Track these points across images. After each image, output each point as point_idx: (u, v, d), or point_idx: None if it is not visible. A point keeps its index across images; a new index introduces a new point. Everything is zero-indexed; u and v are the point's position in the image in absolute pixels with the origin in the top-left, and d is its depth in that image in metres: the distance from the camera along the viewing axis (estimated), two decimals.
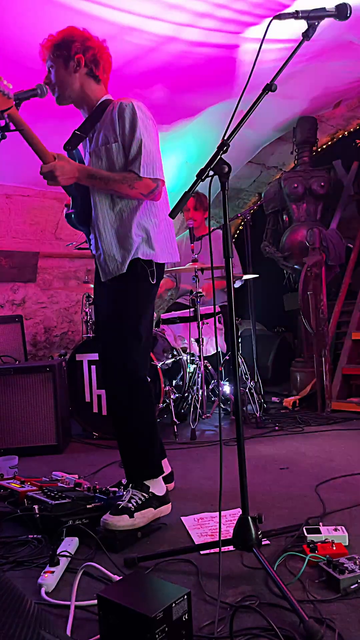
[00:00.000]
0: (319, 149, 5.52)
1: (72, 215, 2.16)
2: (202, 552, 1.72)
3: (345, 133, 5.50)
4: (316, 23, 1.62)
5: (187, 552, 1.71)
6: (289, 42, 3.27)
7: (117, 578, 1.55)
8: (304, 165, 5.11)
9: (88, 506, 1.98)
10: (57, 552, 1.68)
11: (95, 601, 1.29)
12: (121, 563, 1.68)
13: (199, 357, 3.60)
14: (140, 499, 1.96)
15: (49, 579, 1.57)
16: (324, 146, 5.62)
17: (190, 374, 3.82)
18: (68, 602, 1.43)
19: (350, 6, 1.61)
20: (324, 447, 3.00)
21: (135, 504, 1.93)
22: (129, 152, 2.00)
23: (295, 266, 5.02)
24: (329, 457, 2.80)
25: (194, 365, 3.76)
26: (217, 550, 1.59)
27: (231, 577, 1.57)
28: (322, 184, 4.92)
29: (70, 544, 1.78)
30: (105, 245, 2.06)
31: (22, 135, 1.88)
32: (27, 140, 1.89)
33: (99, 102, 2.11)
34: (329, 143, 5.61)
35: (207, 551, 1.71)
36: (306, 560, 1.58)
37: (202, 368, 3.58)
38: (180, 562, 1.69)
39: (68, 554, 1.71)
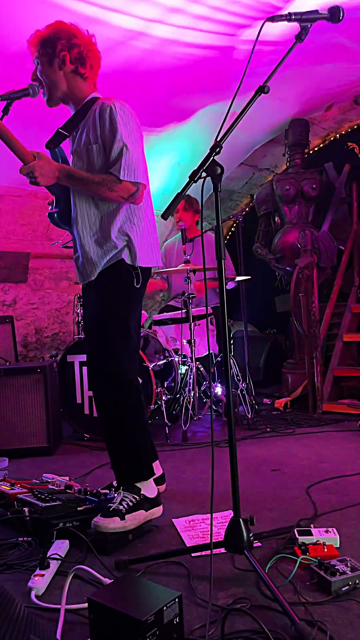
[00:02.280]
0: (311, 152, 5.54)
1: (55, 215, 2.14)
2: (193, 555, 1.71)
3: (337, 136, 5.52)
4: (309, 25, 1.63)
5: (178, 554, 1.71)
6: (282, 44, 3.29)
7: (108, 581, 1.54)
8: (296, 167, 5.12)
9: (79, 508, 1.96)
10: (48, 555, 1.67)
11: (86, 604, 1.28)
12: (112, 566, 1.67)
13: (191, 358, 3.60)
14: (131, 501, 1.95)
15: (39, 582, 1.56)
16: (316, 149, 5.64)
17: (182, 376, 3.81)
18: (58, 606, 1.42)
19: (342, 9, 1.61)
20: (315, 449, 3.01)
21: (126, 506, 1.92)
22: (109, 154, 1.98)
23: (287, 268, 5.03)
24: (321, 458, 2.80)
25: (186, 367, 3.75)
26: (208, 552, 1.58)
27: (223, 580, 1.57)
28: (314, 186, 4.93)
29: (60, 547, 1.77)
30: (84, 247, 2.06)
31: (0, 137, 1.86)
32: (4, 141, 1.86)
33: (86, 100, 2.09)
34: (321, 145, 5.63)
35: (199, 553, 1.71)
36: (297, 562, 1.58)
37: (194, 369, 3.58)
38: (171, 564, 1.68)
39: (58, 557, 1.70)
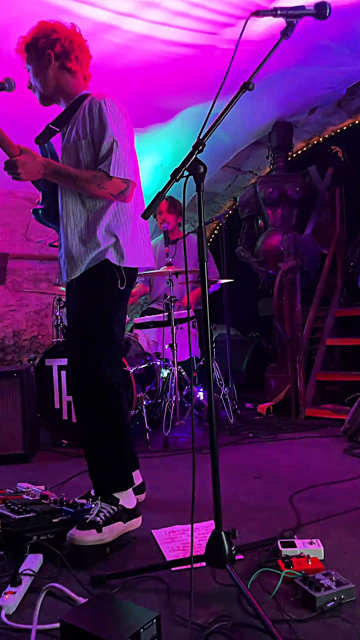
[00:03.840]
0: (295, 155, 5.53)
1: (40, 212, 2.08)
2: (173, 569, 1.64)
3: (321, 139, 5.52)
4: (295, 21, 1.58)
5: (157, 569, 1.64)
6: (266, 44, 3.24)
7: (82, 600, 1.46)
8: (279, 170, 5.10)
9: (54, 520, 1.88)
10: (20, 571, 1.59)
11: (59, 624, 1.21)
12: (88, 581, 1.59)
13: (173, 362, 3.53)
14: (109, 512, 1.87)
15: (10, 600, 1.47)
16: (299, 152, 5.63)
17: (164, 380, 3.75)
18: (30, 626, 1.34)
19: (329, 5, 1.57)
20: (298, 455, 2.96)
21: (103, 518, 1.84)
22: (99, 150, 1.93)
23: (270, 271, 5.00)
24: (303, 465, 2.76)
25: (168, 371, 3.69)
26: (188, 566, 1.52)
27: (203, 596, 1.50)
28: (297, 189, 4.91)
29: (34, 562, 1.68)
30: (67, 245, 2.01)
31: None
32: None
33: (77, 96, 2.05)
34: (304, 149, 5.63)
35: (179, 567, 1.64)
36: (281, 576, 1.52)
37: (176, 374, 3.51)
38: (150, 579, 1.61)
39: (31, 573, 1.62)
